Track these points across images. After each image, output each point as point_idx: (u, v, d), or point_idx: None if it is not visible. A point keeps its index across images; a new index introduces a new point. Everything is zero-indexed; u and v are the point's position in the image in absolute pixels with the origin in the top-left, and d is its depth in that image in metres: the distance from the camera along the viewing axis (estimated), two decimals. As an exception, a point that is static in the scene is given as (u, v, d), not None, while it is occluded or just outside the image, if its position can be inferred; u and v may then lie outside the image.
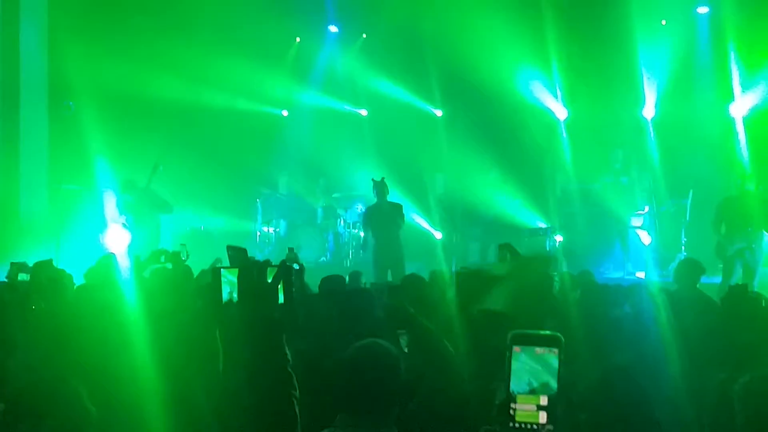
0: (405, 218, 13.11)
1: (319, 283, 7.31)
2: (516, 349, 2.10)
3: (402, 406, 3.37)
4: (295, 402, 2.58)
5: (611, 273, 14.13)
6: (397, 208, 12.89)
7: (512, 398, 2.06)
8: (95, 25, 13.79)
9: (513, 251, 8.55)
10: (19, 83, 13.75)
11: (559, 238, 15.09)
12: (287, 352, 2.69)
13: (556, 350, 2.07)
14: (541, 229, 15.44)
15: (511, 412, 2.06)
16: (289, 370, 2.64)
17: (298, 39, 17.76)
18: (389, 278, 10.88)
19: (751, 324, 5.92)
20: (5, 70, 13.62)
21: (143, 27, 14.30)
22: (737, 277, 11.39)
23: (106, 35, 13.79)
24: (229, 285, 4.11)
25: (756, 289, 9.59)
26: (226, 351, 4.66)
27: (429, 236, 15.29)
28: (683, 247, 14.07)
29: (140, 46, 14.09)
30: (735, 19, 14.30)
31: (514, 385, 2.08)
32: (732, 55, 14.54)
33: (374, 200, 13.01)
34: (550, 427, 2.03)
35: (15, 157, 13.66)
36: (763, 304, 6.63)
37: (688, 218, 14.34)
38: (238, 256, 3.09)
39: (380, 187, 12.76)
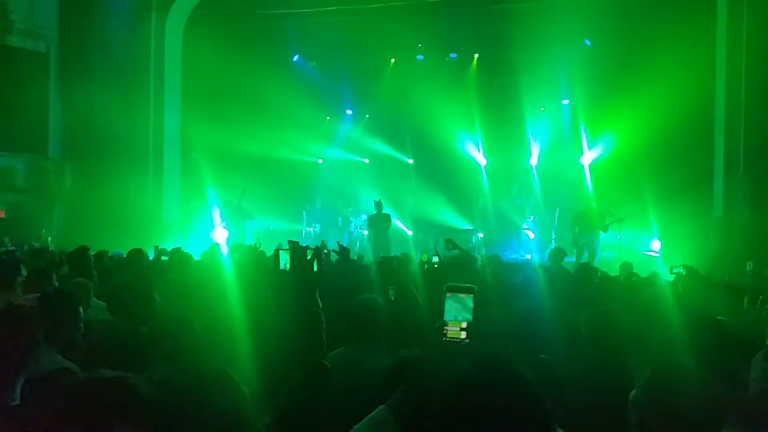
0: (392, 223, 13.19)
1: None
2: (448, 294, 2.13)
3: (387, 335, 3.37)
4: (323, 331, 2.56)
5: (511, 255, 14.10)
6: (387, 216, 12.97)
7: (445, 324, 2.09)
8: (208, 106, 13.78)
9: (453, 242, 8.57)
10: (163, 141, 13.74)
11: (480, 234, 15.09)
12: (319, 300, 2.67)
13: (471, 295, 2.12)
14: (469, 229, 15.44)
15: (445, 331, 2.08)
16: (319, 311, 2.62)
17: (328, 117, 17.73)
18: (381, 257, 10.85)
19: (591, 284, 5.94)
20: (157, 134, 13.61)
21: (236, 108, 14.28)
22: (584, 258, 11.39)
23: (214, 113, 13.77)
24: (284, 260, 4.12)
25: (596, 265, 9.61)
26: (282, 299, 4.67)
27: (404, 233, 15.24)
28: (553, 240, 14.07)
29: (233, 119, 14.07)
30: (584, 107, 14.33)
31: (447, 316, 2.10)
32: (581, 128, 14.58)
33: (374, 212, 13.06)
34: (467, 340, 2.05)
35: (160, 186, 13.65)
36: (599, 274, 6.65)
37: (556, 223, 14.35)
38: (293, 244, 3.09)
39: (378, 205, 12.91)
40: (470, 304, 2.14)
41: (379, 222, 12.90)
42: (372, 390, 2.50)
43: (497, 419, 1.41)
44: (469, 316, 2.13)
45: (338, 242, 8.10)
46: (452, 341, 2.10)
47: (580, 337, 3.63)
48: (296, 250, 2.80)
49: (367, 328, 3.32)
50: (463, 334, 2.11)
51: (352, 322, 3.39)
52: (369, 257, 10.85)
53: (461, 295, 2.15)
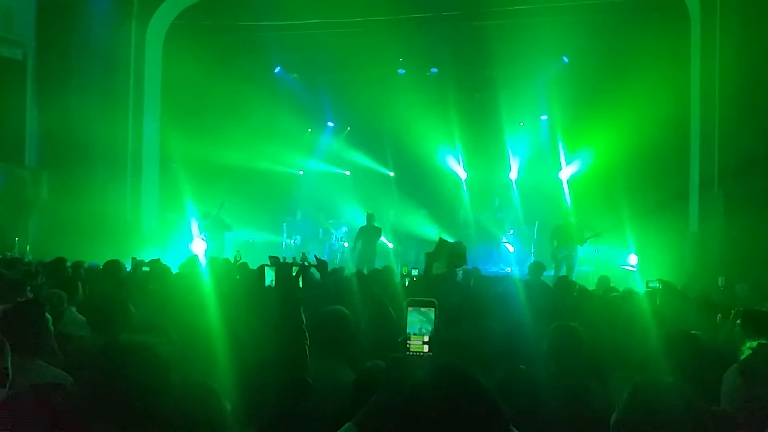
0: (380, 236, 13.32)
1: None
2: (411, 308, 2.17)
3: (354, 346, 3.41)
4: (306, 347, 2.56)
5: (491, 268, 14.18)
6: (378, 230, 13.21)
7: (408, 337, 2.13)
8: (187, 117, 13.71)
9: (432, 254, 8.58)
10: (142, 151, 13.63)
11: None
12: (303, 317, 2.67)
13: (433, 309, 2.17)
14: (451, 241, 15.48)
15: (408, 345, 2.13)
16: (303, 327, 2.62)
17: (309, 129, 17.75)
18: (365, 269, 10.88)
19: (569, 297, 6.00)
20: (136, 144, 13.49)
21: (216, 119, 14.23)
22: (563, 272, 11.49)
23: (194, 123, 13.70)
24: (270, 276, 4.12)
25: (574, 279, 9.71)
26: (266, 314, 4.65)
27: (385, 246, 15.27)
28: (532, 254, 14.18)
29: (214, 130, 14.01)
30: (562, 122, 14.53)
31: (410, 329, 2.15)
32: (560, 143, 14.77)
33: (364, 223, 13.25)
34: (430, 353, 2.10)
35: (139, 195, 13.51)
36: (577, 288, 6.72)
37: (535, 237, 14.47)
38: (274, 260, 3.09)
39: (371, 217, 13.08)
40: (432, 316, 2.20)
41: (369, 234, 13.00)
42: (336, 402, 2.53)
43: (455, 425, 1.48)
44: (431, 329, 2.19)
45: (315, 255, 8.12)
46: (415, 354, 2.15)
47: (546, 349, 3.69)
48: (281, 267, 2.80)
49: (332, 340, 3.36)
50: (426, 348, 2.16)
51: (318, 334, 3.44)
52: (350, 269, 10.83)
53: (423, 308, 2.20)
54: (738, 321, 4.06)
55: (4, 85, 12.48)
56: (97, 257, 9.11)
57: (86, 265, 8.75)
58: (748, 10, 10.46)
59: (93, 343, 4.11)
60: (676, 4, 11.87)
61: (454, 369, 1.62)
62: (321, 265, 6.16)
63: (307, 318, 3.65)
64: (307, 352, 2.53)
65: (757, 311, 4.03)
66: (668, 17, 12.13)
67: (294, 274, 2.73)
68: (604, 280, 8.42)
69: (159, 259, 8.04)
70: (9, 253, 9.27)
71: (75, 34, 12.95)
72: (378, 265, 11.30)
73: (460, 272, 9.24)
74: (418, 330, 2.17)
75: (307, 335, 2.58)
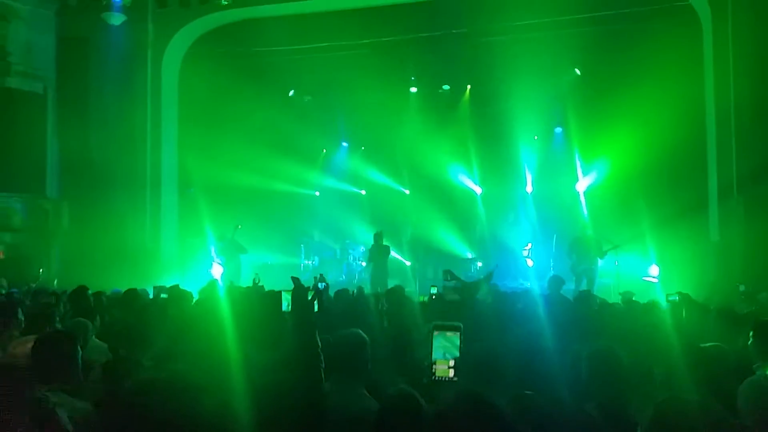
0: (389, 255, 13.19)
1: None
2: (435, 333, 2.16)
3: (368, 371, 3.39)
4: (322, 371, 2.55)
5: (510, 283, 14.05)
6: (387, 248, 12.96)
7: (434, 362, 2.11)
8: (204, 142, 13.85)
9: (451, 273, 8.56)
10: (161, 177, 13.78)
11: (479, 263, 15.07)
12: (318, 341, 2.66)
13: (458, 333, 2.15)
14: (468, 258, 15.43)
15: (433, 369, 2.11)
16: (319, 351, 2.61)
17: (324, 150, 17.85)
18: (379, 289, 10.82)
19: (591, 313, 5.92)
20: (155, 170, 13.65)
21: (233, 143, 14.33)
22: (582, 285, 11.36)
23: (211, 148, 13.83)
24: (286, 300, 4.14)
25: (594, 292, 9.60)
26: (282, 339, 4.65)
27: (402, 264, 15.23)
28: (552, 267, 14.04)
29: (230, 154, 14.11)
30: (577, 135, 14.44)
31: (435, 354, 2.13)
32: (575, 155, 14.67)
33: (373, 243, 13.09)
34: (455, 378, 2.09)
35: (158, 221, 13.65)
36: (598, 301, 6.64)
37: (553, 250, 14.33)
38: (296, 281, 3.09)
39: (378, 236, 12.86)
40: (457, 341, 2.18)
41: (378, 254, 12.93)
42: (354, 427, 2.50)
43: None
44: (457, 353, 2.16)
45: (315, 276, 8.16)
46: (441, 380, 2.13)
47: (582, 372, 3.56)
48: (297, 291, 2.80)
49: (349, 363, 3.33)
50: (451, 372, 2.15)
51: (334, 357, 3.41)
52: (368, 289, 10.83)
53: (448, 333, 2.19)
54: (750, 332, 3.94)
55: (25, 118, 12.74)
56: (120, 284, 9.20)
57: (108, 292, 8.85)
58: (760, 14, 10.38)
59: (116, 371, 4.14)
60: (686, 11, 11.82)
61: (477, 396, 1.62)
62: (317, 293, 6.13)
63: (323, 341, 3.64)
64: (323, 377, 2.52)
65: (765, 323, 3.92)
66: (679, 25, 12.06)
67: (309, 297, 2.73)
68: (627, 295, 8.29)
69: (178, 285, 8.09)
70: (34, 284, 9.39)
71: (93, 65, 13.24)
72: (392, 282, 11.29)
73: (482, 285, 9.20)
74: (443, 355, 2.16)
75: (322, 359, 2.58)
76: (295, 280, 2.95)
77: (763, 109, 10.37)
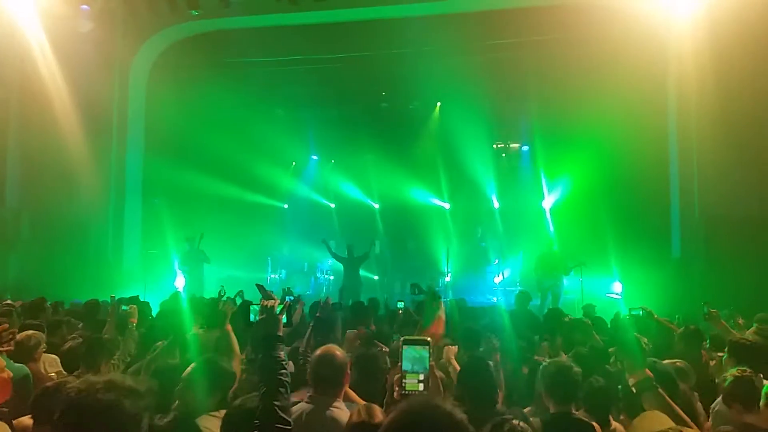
0: (361, 268, 13.28)
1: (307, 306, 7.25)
2: (405, 347, 2.19)
3: (342, 386, 3.39)
4: (288, 386, 2.49)
5: (477, 298, 14.12)
6: (359, 261, 13.19)
7: (404, 375, 2.14)
8: (170, 153, 13.63)
9: (418, 287, 8.55)
10: (126, 188, 13.49)
11: (447, 278, 15.12)
12: (285, 354, 2.60)
13: (427, 347, 2.18)
14: (435, 273, 15.50)
15: (403, 383, 2.13)
16: (284, 365, 2.55)
17: (294, 163, 17.79)
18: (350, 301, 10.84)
19: (559, 328, 5.95)
20: (119, 179, 13.37)
21: (200, 153, 14.15)
22: (548, 301, 11.45)
23: (178, 158, 13.62)
24: (253, 313, 4.07)
25: (560, 307, 9.69)
26: (249, 352, 4.57)
27: (371, 278, 15.21)
28: (518, 283, 14.16)
29: (197, 165, 13.92)
30: (543, 152, 14.65)
31: (405, 367, 2.15)
32: (541, 172, 14.87)
33: (345, 255, 13.24)
34: (425, 392, 2.11)
35: (121, 232, 13.34)
36: (565, 318, 6.67)
37: (520, 266, 14.47)
38: (261, 288, 3.03)
39: (350, 248, 13.21)
40: (426, 355, 2.21)
41: (350, 266, 12.97)
42: None
43: None
44: (426, 367, 2.20)
45: (283, 288, 8.10)
46: (410, 393, 2.15)
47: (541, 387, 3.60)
48: (264, 306, 2.73)
49: (325, 381, 3.32)
50: (421, 386, 2.17)
51: (311, 374, 3.41)
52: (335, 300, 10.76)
53: (417, 347, 2.22)
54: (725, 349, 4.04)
55: (-16, 125, 12.39)
56: (80, 295, 8.96)
57: (68, 303, 8.61)
58: (720, 33, 10.65)
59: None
60: (651, 36, 12.11)
61: (430, 403, 1.65)
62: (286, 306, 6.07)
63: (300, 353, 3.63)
64: (288, 391, 2.47)
65: (742, 341, 4.01)
66: (644, 47, 12.35)
67: (278, 311, 2.66)
68: (589, 309, 8.38)
69: (137, 296, 7.92)
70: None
71: (59, 70, 12.93)
72: (363, 297, 11.24)
73: (446, 303, 9.20)
74: (412, 368, 2.18)
75: (288, 375, 2.52)
76: (261, 288, 2.88)
77: (724, 128, 10.62)
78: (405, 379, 2.18)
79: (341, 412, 3.25)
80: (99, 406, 1.80)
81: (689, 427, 2.70)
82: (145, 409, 1.89)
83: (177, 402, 3.32)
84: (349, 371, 3.50)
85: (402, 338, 2.30)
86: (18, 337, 4.90)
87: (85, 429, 1.81)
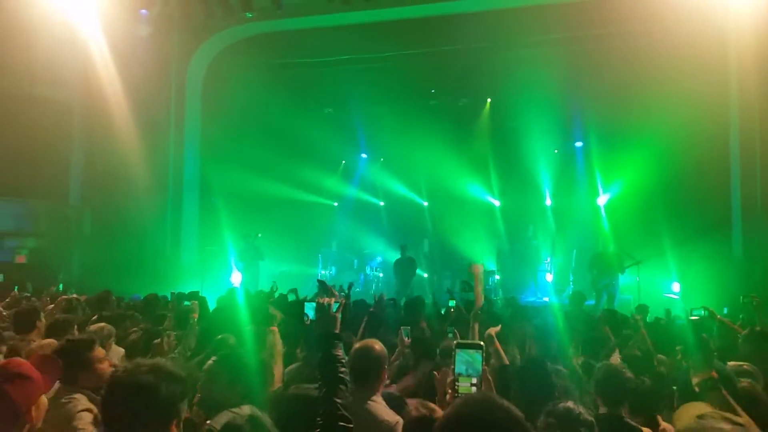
0: (415, 267, 13.54)
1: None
2: (458, 350, 2.22)
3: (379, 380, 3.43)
4: (347, 380, 2.50)
5: (528, 297, 13.93)
6: (412, 260, 13.43)
7: (456, 378, 2.16)
8: (226, 152, 13.94)
9: (469, 284, 8.53)
10: (183, 187, 13.85)
11: (497, 276, 14.97)
12: (344, 354, 2.61)
13: (480, 351, 2.21)
14: (486, 271, 15.33)
15: (456, 386, 2.15)
16: (344, 364, 2.56)
17: (343, 161, 17.92)
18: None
19: (616, 331, 5.82)
20: (177, 178, 13.74)
21: (253, 153, 14.39)
22: (603, 301, 11.20)
23: (233, 157, 13.92)
24: (309, 311, 4.12)
25: (615, 307, 9.47)
26: (308, 350, 4.64)
27: (420, 276, 15.20)
28: (571, 282, 13.91)
29: (251, 163, 14.17)
30: (598, 149, 14.34)
31: (457, 370, 2.17)
32: (596, 169, 14.56)
33: (398, 256, 13.45)
34: None
35: (179, 230, 13.72)
36: (619, 317, 6.52)
37: (573, 265, 14.20)
38: (324, 286, 3.06)
39: (404, 249, 13.36)
40: (479, 359, 2.25)
41: (403, 266, 13.08)
42: None
43: None
44: (479, 370, 2.24)
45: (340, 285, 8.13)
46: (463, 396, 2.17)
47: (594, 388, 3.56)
48: (320, 303, 2.74)
49: (363, 375, 3.32)
50: (474, 390, 2.20)
51: (350, 368, 3.42)
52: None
53: (470, 351, 2.25)
54: None
55: (51, 126, 12.90)
56: (139, 290, 9.24)
57: (127, 298, 8.90)
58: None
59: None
60: (710, 27, 11.69)
61: (487, 398, 1.71)
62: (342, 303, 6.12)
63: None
64: (346, 389, 2.47)
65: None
66: (703, 39, 11.94)
67: (335, 310, 2.67)
68: (642, 309, 8.15)
69: (197, 292, 8.11)
70: (54, 289, 9.46)
71: (118, 74, 13.36)
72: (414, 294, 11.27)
73: (496, 300, 9.12)
74: (465, 371, 2.21)
75: (347, 373, 2.52)
76: (322, 283, 2.91)
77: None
78: (458, 382, 2.21)
79: (378, 406, 3.24)
80: (136, 385, 1.93)
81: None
82: (181, 394, 2.01)
83: (199, 396, 3.35)
84: (386, 366, 3.49)
85: (455, 342, 2.34)
86: (91, 328, 5.11)
87: (122, 405, 1.94)
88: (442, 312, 7.97)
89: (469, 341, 2.38)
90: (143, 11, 12.58)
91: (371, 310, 5.44)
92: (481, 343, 2.31)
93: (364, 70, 14.33)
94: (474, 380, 2.22)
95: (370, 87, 14.90)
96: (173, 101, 13.76)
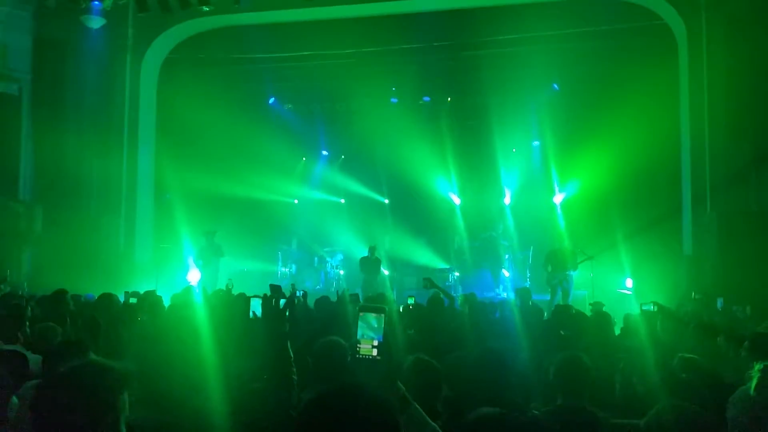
0: (381, 268, 13.55)
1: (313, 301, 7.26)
2: (361, 314, 2.27)
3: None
4: (294, 381, 2.49)
5: (487, 294, 14.08)
6: (378, 261, 13.43)
7: (358, 341, 2.21)
8: (182, 148, 13.70)
9: (431, 281, 8.57)
10: (137, 182, 13.55)
11: (456, 273, 15.09)
12: (290, 351, 2.60)
13: (382, 315, 2.26)
14: (445, 268, 15.45)
15: (358, 348, 2.19)
16: (291, 361, 2.55)
17: (304, 158, 17.80)
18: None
19: (566, 325, 5.92)
20: (130, 175, 13.43)
21: (211, 149, 14.22)
22: (558, 297, 11.41)
23: (189, 154, 13.67)
24: (254, 307, 4.06)
25: (570, 303, 9.65)
26: (254, 348, 4.58)
27: (381, 273, 15.20)
28: (528, 279, 14.12)
29: (209, 161, 13.98)
30: (554, 148, 14.58)
31: (360, 334, 2.22)
32: (552, 168, 14.80)
33: (356, 252, 13.60)
34: (378, 357, 2.18)
35: (133, 227, 13.41)
36: (573, 312, 6.65)
37: (530, 262, 14.41)
38: (276, 288, 3.03)
39: (371, 249, 13.34)
40: (381, 323, 2.31)
41: (369, 266, 13.10)
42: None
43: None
44: (380, 334, 2.29)
45: (292, 284, 8.11)
46: (365, 358, 2.23)
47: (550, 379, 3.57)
48: (267, 300, 2.74)
49: (328, 371, 3.34)
50: (374, 351, 2.26)
51: (315, 365, 3.40)
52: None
53: (373, 314, 2.31)
54: (745, 344, 3.98)
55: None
56: (92, 290, 8.99)
57: (82, 298, 8.66)
58: (733, 32, 10.59)
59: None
60: (663, 30, 12.02)
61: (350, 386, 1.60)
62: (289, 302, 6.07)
63: (303, 349, 3.60)
64: (295, 385, 2.46)
65: (764, 334, 3.96)
66: (656, 43, 12.27)
67: (282, 307, 2.66)
68: (596, 305, 8.34)
69: (154, 291, 7.95)
70: (2, 286, 9.16)
71: (70, 68, 12.99)
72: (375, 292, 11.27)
73: (457, 297, 9.19)
74: (364, 335, 2.28)
75: (294, 369, 2.52)
76: (275, 288, 2.89)
77: (736, 125, 10.55)
78: (360, 344, 2.26)
79: None
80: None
81: None
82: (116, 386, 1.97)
83: None
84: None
85: (358, 306, 2.38)
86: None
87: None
88: (400, 310, 7.98)
89: (372, 305, 2.44)
90: (96, 3, 12.24)
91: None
92: (384, 307, 2.36)
93: (324, 67, 14.25)
94: (375, 342, 2.28)
95: (330, 84, 14.82)
96: (127, 96, 13.43)
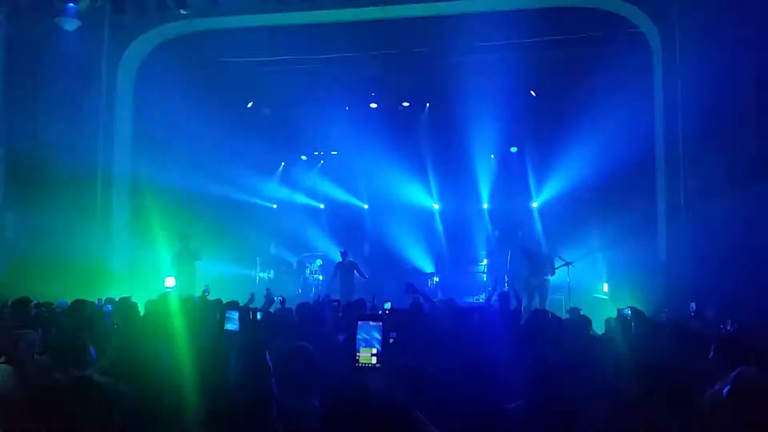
0: (355, 271, 13.47)
1: (295, 306, 7.19)
2: (360, 322, 2.31)
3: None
4: (272, 390, 2.47)
5: (466, 298, 14.14)
6: (353, 264, 13.45)
7: (357, 350, 2.25)
8: (161, 151, 13.54)
9: (413, 286, 8.58)
10: (112, 187, 13.34)
11: (436, 278, 15.14)
12: (269, 360, 2.58)
13: (380, 323, 2.31)
14: (426, 273, 15.51)
15: (357, 357, 2.23)
16: (269, 372, 2.53)
17: (282, 163, 17.74)
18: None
19: (543, 329, 5.97)
20: (106, 179, 13.22)
21: (190, 153, 14.06)
22: (535, 301, 11.49)
23: (167, 157, 13.55)
24: (230, 315, 4.02)
25: (546, 307, 9.73)
26: (229, 357, 4.51)
27: (360, 279, 15.20)
28: (506, 283, 14.18)
29: (187, 164, 13.82)
30: (531, 155, 14.73)
31: (359, 343, 2.27)
32: (529, 175, 14.95)
33: (340, 260, 13.48)
34: (378, 365, 2.22)
35: (108, 232, 13.20)
36: (549, 316, 6.71)
37: (508, 266, 14.51)
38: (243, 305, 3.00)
39: (344, 254, 13.41)
40: (380, 332, 2.35)
41: (344, 270, 13.11)
42: None
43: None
44: (379, 343, 2.33)
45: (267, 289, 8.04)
46: (365, 366, 2.26)
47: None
48: (244, 312, 2.72)
49: (297, 377, 3.31)
50: (374, 360, 2.29)
51: (283, 371, 3.36)
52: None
53: (371, 323, 2.34)
54: (713, 347, 4.07)
55: (-30, 123, 12.23)
56: (67, 296, 8.83)
57: (55, 304, 8.51)
58: (707, 38, 10.76)
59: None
60: (638, 38, 12.19)
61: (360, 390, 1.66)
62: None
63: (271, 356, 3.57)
64: (273, 394, 2.43)
65: (727, 338, 4.04)
66: (631, 50, 12.44)
67: (258, 318, 2.64)
68: (574, 312, 8.41)
69: (129, 298, 7.83)
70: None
71: (44, 71, 12.77)
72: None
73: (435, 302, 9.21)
74: (366, 342, 2.30)
75: (272, 378, 2.49)
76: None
77: (710, 132, 10.71)
78: (359, 353, 2.30)
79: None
80: None
81: None
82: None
83: None
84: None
85: (357, 315, 2.40)
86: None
87: None
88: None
89: (371, 314, 2.48)
90: (71, 5, 12.07)
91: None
92: (382, 315, 2.39)
93: (303, 72, 14.23)
94: (374, 351, 2.32)
95: (309, 88, 14.80)
96: (103, 99, 13.24)
